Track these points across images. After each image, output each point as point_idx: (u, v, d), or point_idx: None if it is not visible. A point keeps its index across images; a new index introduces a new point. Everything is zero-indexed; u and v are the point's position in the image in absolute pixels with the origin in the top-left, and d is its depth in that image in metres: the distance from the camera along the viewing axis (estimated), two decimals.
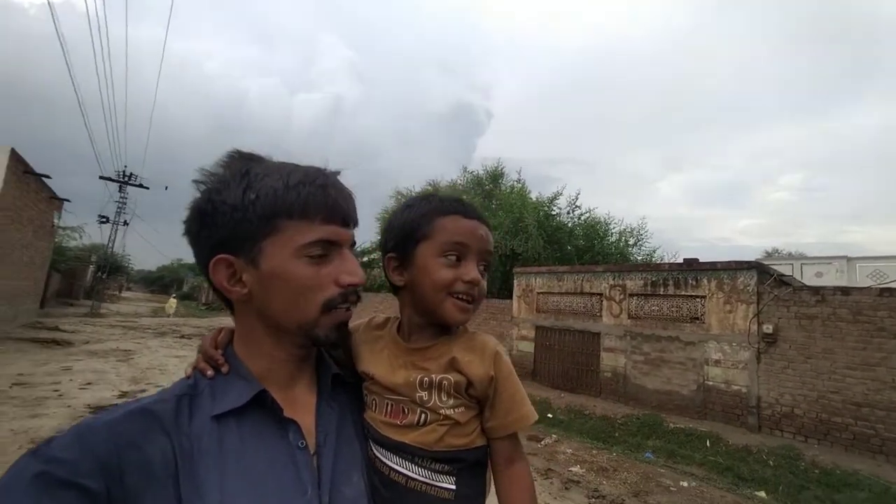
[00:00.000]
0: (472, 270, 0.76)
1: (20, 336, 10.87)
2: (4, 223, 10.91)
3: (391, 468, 0.73)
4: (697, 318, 7.96)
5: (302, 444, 0.66)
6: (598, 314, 9.40)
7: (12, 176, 10.63)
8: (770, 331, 7.01)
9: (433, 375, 0.75)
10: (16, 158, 10.70)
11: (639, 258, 15.82)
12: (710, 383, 7.64)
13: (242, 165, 0.68)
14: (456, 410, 0.74)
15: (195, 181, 0.68)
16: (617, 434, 7.12)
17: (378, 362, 0.80)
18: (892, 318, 6.13)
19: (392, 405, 0.76)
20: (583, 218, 16.10)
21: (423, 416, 0.74)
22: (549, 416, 8.07)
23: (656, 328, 8.42)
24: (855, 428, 6.20)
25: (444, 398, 0.75)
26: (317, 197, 0.66)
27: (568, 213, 16.35)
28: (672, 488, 5.15)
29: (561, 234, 14.82)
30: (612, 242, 16.00)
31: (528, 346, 10.51)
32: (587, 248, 14.99)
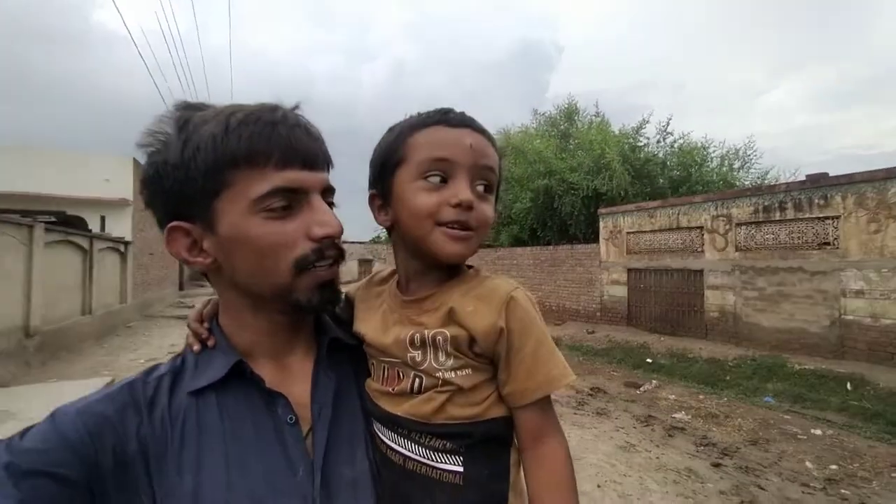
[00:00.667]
0: (460, 190, 0.61)
1: (169, 314, 12.99)
2: (150, 222, 13.02)
3: (388, 446, 0.62)
4: (828, 244, 6.75)
5: (291, 418, 0.59)
6: (698, 250, 8.46)
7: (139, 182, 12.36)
8: None
9: (426, 331, 0.62)
10: (138, 166, 12.36)
11: (746, 182, 13.75)
12: (850, 318, 6.54)
13: (182, 117, 0.58)
14: (458, 373, 0.61)
15: (138, 144, 0.59)
16: (728, 378, 6.51)
17: (372, 320, 0.69)
18: None
19: (387, 369, 0.65)
20: (676, 145, 14.27)
21: (417, 381, 0.62)
22: (649, 360, 7.64)
23: (773, 259, 7.33)
24: None
25: (442, 358, 0.62)
26: (264, 137, 0.56)
27: (658, 142, 14.60)
28: (801, 436, 4.59)
29: (651, 167, 13.33)
30: (713, 169, 14.05)
31: (620, 291, 9.92)
32: (683, 178, 13.36)
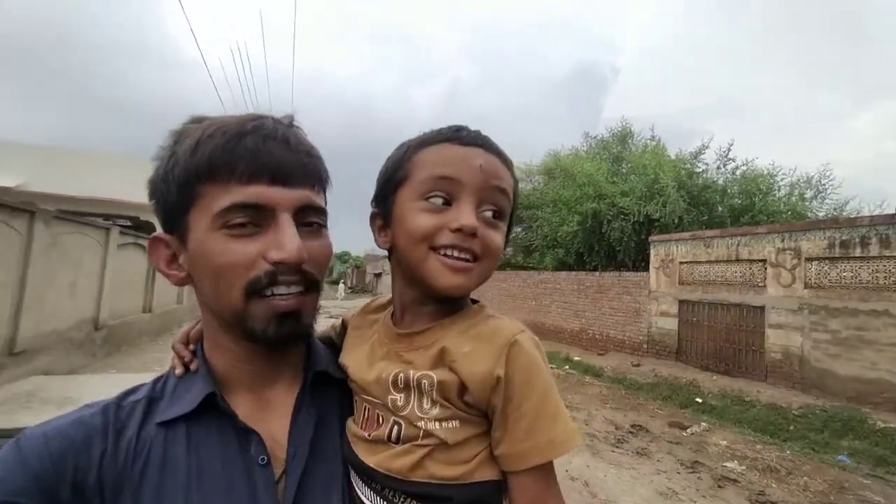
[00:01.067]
0: (463, 214, 0.55)
1: None
2: None
3: (361, 501, 0.56)
4: None
5: (263, 459, 0.55)
6: (760, 284, 7.77)
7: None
8: None
9: (412, 371, 0.55)
10: None
11: (820, 214, 12.58)
12: None
13: (180, 131, 0.58)
14: (443, 425, 0.54)
15: (152, 159, 0.60)
16: (792, 428, 5.82)
17: (359, 351, 0.63)
18: None
19: (368, 410, 0.59)
20: (738, 172, 13.40)
21: (395, 428, 0.55)
22: (698, 400, 7.03)
23: (850, 300, 6.58)
24: None
25: (427, 405, 0.54)
26: (227, 150, 0.53)
27: (718, 168, 13.81)
28: None
29: (709, 194, 12.59)
30: (780, 198, 13.01)
31: (670, 323, 9.29)
32: (745, 207, 12.44)
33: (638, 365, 9.08)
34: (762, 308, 7.68)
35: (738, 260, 8.18)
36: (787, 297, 7.33)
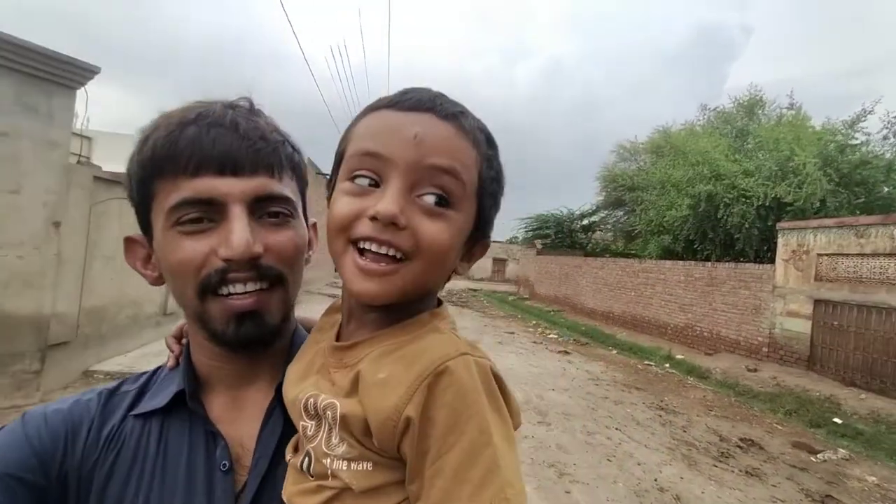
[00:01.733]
0: (386, 198, 0.43)
1: (326, 292, 15.12)
2: (317, 213, 15.42)
3: None
4: None
5: (224, 465, 0.52)
6: None
7: (312, 178, 14.68)
8: None
9: (322, 396, 0.47)
10: (312, 163, 14.60)
11: None
12: None
13: (147, 125, 0.55)
14: (351, 466, 0.44)
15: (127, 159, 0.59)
16: None
17: (300, 361, 0.56)
18: None
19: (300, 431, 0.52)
20: None
21: (306, 460, 0.48)
22: (837, 421, 5.87)
23: None
24: None
25: (334, 440, 0.46)
26: (169, 141, 0.50)
27: (885, 138, 11.14)
28: None
29: (868, 171, 10.21)
30: None
31: (800, 326, 7.85)
32: None
33: (755, 370, 7.86)
34: None
35: None
36: None
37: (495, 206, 0.53)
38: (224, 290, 0.52)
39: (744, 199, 10.51)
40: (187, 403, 0.55)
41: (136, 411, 0.56)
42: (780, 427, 5.77)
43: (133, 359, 5.84)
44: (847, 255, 7.30)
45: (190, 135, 0.50)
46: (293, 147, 0.59)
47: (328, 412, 0.46)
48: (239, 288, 0.52)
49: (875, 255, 6.93)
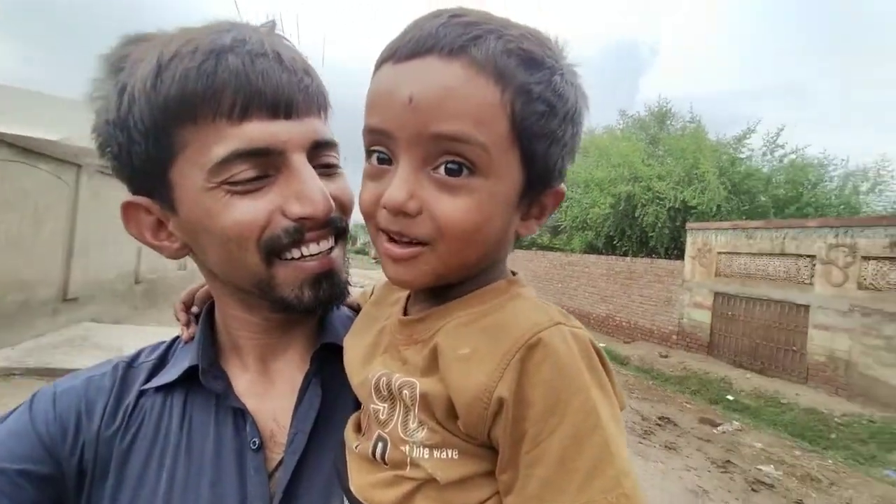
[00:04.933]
0: (393, 184, 0.38)
1: None
2: None
3: None
4: None
5: (255, 443, 0.48)
6: (806, 282, 7.37)
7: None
8: None
9: (396, 376, 0.41)
10: None
11: (878, 209, 11.77)
12: None
13: (116, 56, 0.44)
14: (434, 454, 0.39)
15: (89, 98, 0.46)
16: (834, 436, 5.60)
17: (363, 338, 0.50)
18: None
19: (366, 413, 0.46)
20: (786, 160, 12.65)
21: (380, 445, 0.42)
22: (730, 398, 6.85)
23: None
24: None
25: (413, 425, 0.40)
26: (204, 74, 0.40)
27: (764, 154, 13.05)
28: None
29: (752, 182, 11.94)
30: (832, 190, 12.26)
31: (703, 316, 9.00)
32: (791, 198, 11.79)
33: (666, 356, 8.86)
34: (807, 307, 7.30)
35: (783, 254, 7.75)
36: (837, 298, 6.92)
37: (556, 140, 0.40)
38: (296, 253, 0.46)
39: (657, 201, 11.68)
40: (207, 379, 0.50)
41: (149, 385, 0.51)
42: (688, 405, 6.59)
43: (24, 352, 4.93)
44: (739, 253, 8.48)
45: (232, 65, 0.40)
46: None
47: (405, 392, 0.40)
48: (314, 248, 0.46)
49: (760, 254, 8.13)
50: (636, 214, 12.13)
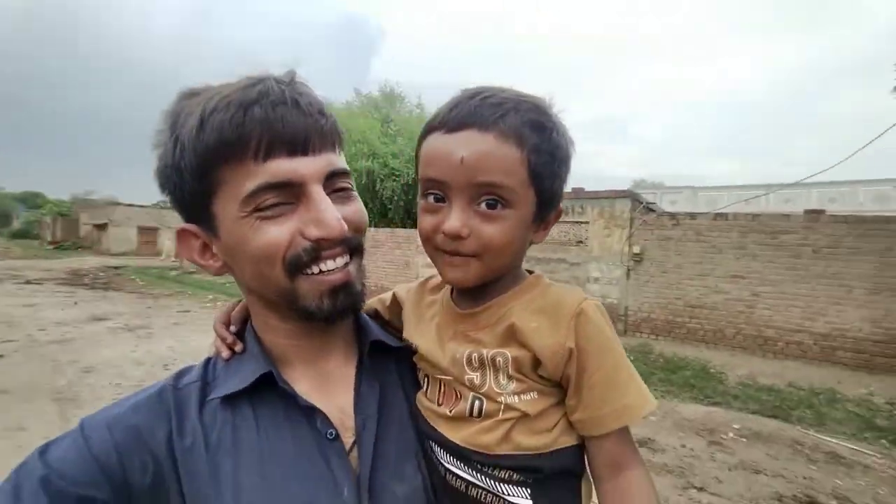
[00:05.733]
0: (451, 218, 0.53)
1: None
2: None
3: (448, 470, 0.58)
4: (582, 242, 9.00)
5: (331, 433, 0.55)
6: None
7: None
8: (638, 251, 8.28)
9: (484, 350, 0.57)
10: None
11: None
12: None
13: (174, 111, 0.53)
14: (522, 398, 0.55)
15: (153, 146, 0.55)
16: None
17: (425, 332, 0.63)
18: (721, 238, 7.65)
19: (444, 387, 0.60)
20: None
21: (477, 403, 0.57)
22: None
23: (546, 252, 9.35)
24: (689, 324, 7.89)
25: (504, 381, 0.56)
26: (235, 123, 0.48)
27: None
28: None
29: None
30: None
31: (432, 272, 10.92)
32: None
33: None
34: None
35: None
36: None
37: (557, 178, 0.56)
38: (315, 269, 0.53)
39: (393, 177, 13.14)
40: (277, 384, 0.55)
41: (215, 395, 0.55)
42: None
43: None
44: None
45: (256, 116, 0.48)
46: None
47: (498, 359, 0.55)
48: (331, 264, 0.54)
49: None
50: (376, 188, 13.31)
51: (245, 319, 0.64)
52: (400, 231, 11.92)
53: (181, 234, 0.57)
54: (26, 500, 0.45)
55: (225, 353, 0.60)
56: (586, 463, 0.59)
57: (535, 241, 0.60)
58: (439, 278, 0.67)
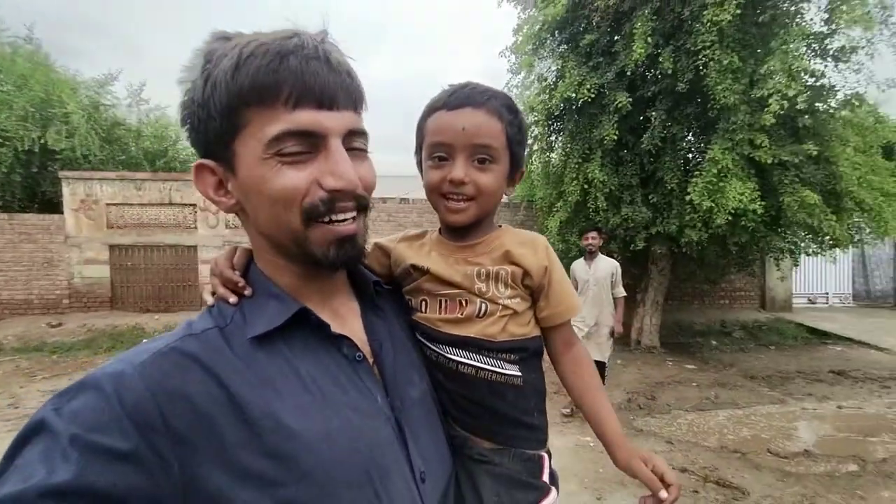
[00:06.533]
0: (456, 169, 0.71)
1: None
2: None
3: (458, 362, 0.72)
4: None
5: (359, 356, 0.61)
6: (192, 226, 8.81)
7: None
8: None
9: (489, 267, 0.74)
10: None
11: None
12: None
13: (208, 50, 0.55)
14: (513, 301, 0.74)
15: (177, 81, 0.57)
16: None
17: (430, 259, 0.76)
18: (406, 217, 9.59)
19: (447, 301, 0.74)
20: (153, 116, 13.34)
21: (483, 306, 0.73)
22: (145, 339, 7.20)
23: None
24: None
25: (502, 289, 0.74)
26: (270, 70, 0.51)
27: (130, 106, 13.02)
28: None
29: (121, 132, 11.81)
30: (187, 147, 14.33)
31: (99, 272, 8.41)
32: (159, 152, 12.78)
33: (59, 324, 7.62)
34: (195, 247, 8.76)
35: (171, 203, 8.71)
36: (214, 237, 8.83)
37: (522, 146, 0.77)
38: (328, 218, 0.56)
39: (2, 140, 8.99)
40: (310, 319, 0.58)
41: (251, 335, 0.55)
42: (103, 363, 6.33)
43: None
44: (132, 204, 8.57)
45: (292, 66, 0.50)
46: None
47: (501, 273, 0.73)
48: (341, 216, 0.56)
49: (151, 204, 8.66)
50: None
51: (247, 265, 0.64)
52: (30, 217, 8.43)
53: (199, 169, 0.58)
54: (59, 464, 0.41)
55: (232, 298, 0.60)
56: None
57: (507, 194, 0.81)
58: (413, 231, 0.84)
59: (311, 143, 0.54)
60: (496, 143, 0.72)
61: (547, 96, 6.72)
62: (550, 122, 7.13)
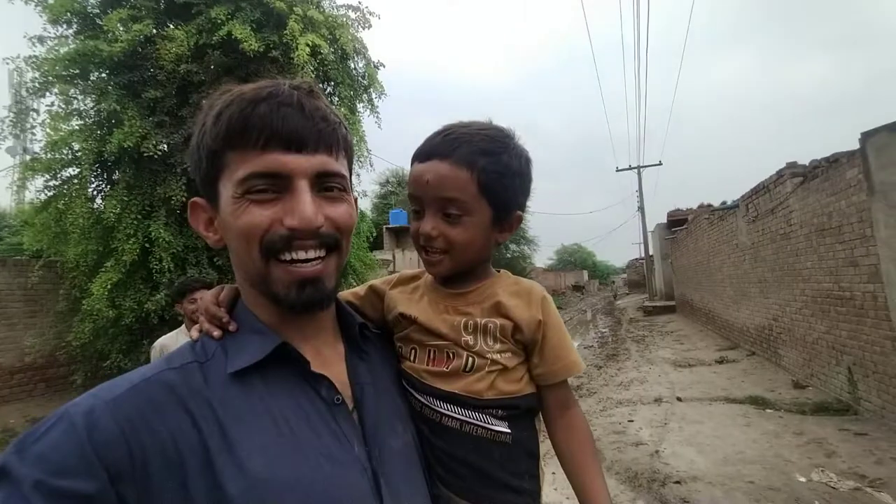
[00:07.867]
0: (423, 223, 0.70)
1: None
2: None
3: (443, 414, 0.68)
4: None
5: (338, 399, 0.59)
6: None
7: None
8: None
9: (478, 319, 0.70)
10: None
11: None
12: None
13: (209, 102, 0.59)
14: (503, 355, 0.69)
15: (193, 134, 0.62)
16: None
17: (419, 308, 0.74)
18: None
19: (435, 352, 0.71)
20: None
21: (470, 360, 0.69)
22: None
23: None
24: None
25: (490, 342, 0.70)
26: (242, 117, 0.54)
27: None
28: None
29: None
30: None
31: None
32: None
33: None
34: None
35: None
36: None
37: (508, 190, 0.71)
38: (287, 256, 0.55)
39: None
40: (288, 354, 0.57)
41: (231, 370, 0.55)
42: None
43: None
44: None
45: (262, 112, 0.53)
46: (346, 129, 0.62)
47: (490, 326, 0.69)
48: (301, 255, 0.56)
49: None
50: None
51: (233, 302, 0.65)
52: None
53: (193, 205, 0.62)
54: None
55: (216, 333, 0.60)
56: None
57: (499, 241, 0.75)
58: (410, 272, 0.83)
59: (278, 183, 0.55)
60: (463, 195, 0.69)
61: (96, 142, 5.80)
62: (98, 169, 6.05)
